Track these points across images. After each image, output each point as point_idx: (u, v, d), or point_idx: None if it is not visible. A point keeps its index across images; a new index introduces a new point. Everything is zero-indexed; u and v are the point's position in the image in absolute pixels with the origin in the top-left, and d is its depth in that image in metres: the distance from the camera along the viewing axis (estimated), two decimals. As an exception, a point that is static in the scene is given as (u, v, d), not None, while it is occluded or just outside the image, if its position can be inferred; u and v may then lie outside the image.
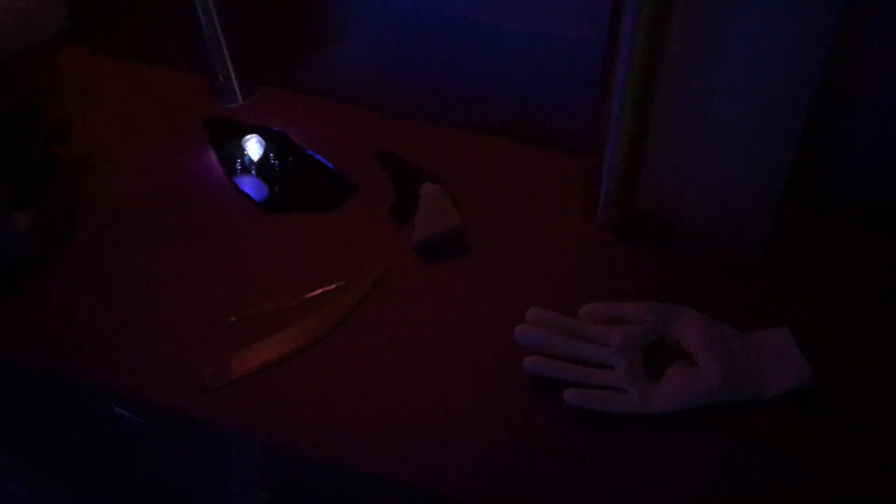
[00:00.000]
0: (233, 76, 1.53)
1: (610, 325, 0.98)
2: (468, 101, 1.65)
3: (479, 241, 1.28)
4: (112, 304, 1.16)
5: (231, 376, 0.98)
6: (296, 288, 1.29)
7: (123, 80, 1.76)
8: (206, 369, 1.00)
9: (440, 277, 1.21)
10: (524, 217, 1.43)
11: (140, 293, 1.18)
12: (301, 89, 1.73)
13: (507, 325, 1.02)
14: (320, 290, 1.16)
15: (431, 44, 1.66)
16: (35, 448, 1.25)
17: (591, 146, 1.39)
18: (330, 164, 1.57)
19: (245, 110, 1.58)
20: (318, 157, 1.59)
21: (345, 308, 1.11)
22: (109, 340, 1.10)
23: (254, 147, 1.61)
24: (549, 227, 1.41)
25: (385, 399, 0.98)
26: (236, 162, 1.58)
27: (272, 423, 0.96)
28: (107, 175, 1.51)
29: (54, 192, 1.36)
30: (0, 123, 1.26)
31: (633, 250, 1.21)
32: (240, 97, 1.53)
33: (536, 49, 1.55)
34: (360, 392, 0.99)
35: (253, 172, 1.56)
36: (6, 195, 1.26)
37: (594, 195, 1.36)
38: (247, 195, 1.51)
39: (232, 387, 1.00)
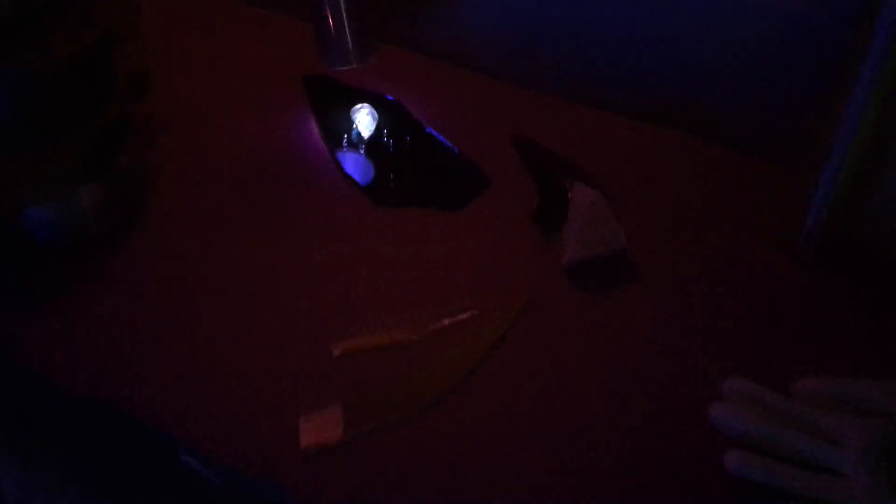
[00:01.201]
0: (347, 31, 1.23)
1: (838, 409, 0.76)
2: (632, 80, 1.31)
3: (645, 262, 1.06)
4: (179, 321, 0.97)
5: (337, 437, 0.71)
6: (413, 312, 1.01)
7: (214, 23, 1.48)
8: (304, 425, 0.74)
9: (597, 308, 1.00)
10: (701, 236, 1.12)
11: (215, 306, 0.99)
12: (422, 51, 1.41)
13: (683, 375, 0.86)
14: (448, 321, 0.93)
15: (589, 2, 1.32)
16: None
17: (798, 153, 1.10)
18: (455, 148, 1.27)
19: (356, 73, 1.27)
20: (440, 138, 1.28)
21: (478, 349, 0.89)
22: (174, 374, 0.84)
23: (364, 119, 1.32)
24: (735, 250, 1.10)
25: (526, 468, 0.76)
26: (342, 136, 1.29)
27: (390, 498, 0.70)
28: (183, 140, 1.25)
29: (127, 162, 1.10)
30: (68, 72, 0.98)
31: (850, 291, 0.96)
32: (353, 58, 1.22)
33: (740, 19, 1.20)
34: (493, 459, 0.79)
35: (361, 151, 1.27)
36: (72, 165, 1.00)
37: (798, 215, 1.07)
38: (352, 179, 1.22)
39: (338, 451, 0.73)
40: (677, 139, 1.29)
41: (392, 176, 1.25)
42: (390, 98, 1.36)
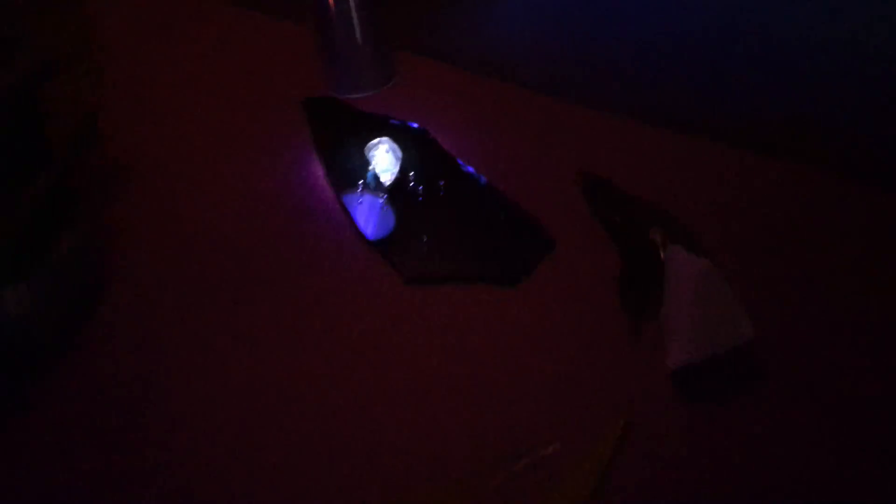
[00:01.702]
0: (362, 51, 0.93)
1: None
2: (729, 96, 1.02)
3: (775, 356, 0.81)
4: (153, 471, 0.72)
5: None
6: (471, 449, 0.73)
7: (190, 30, 1.17)
8: None
9: (718, 429, 0.75)
10: (851, 310, 0.83)
11: (189, 421, 0.79)
12: (451, 61, 1.11)
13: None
14: (524, 463, 0.72)
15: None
16: None
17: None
18: (504, 196, 0.98)
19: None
20: (482, 179, 0.99)
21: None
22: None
23: (383, 159, 1.02)
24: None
25: None
26: (355, 180, 1.00)
27: None
28: (152, 196, 0.98)
29: (73, 244, 0.81)
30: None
31: None
32: (369, 83, 0.93)
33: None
34: None
35: (380, 200, 0.98)
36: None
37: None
38: (372, 242, 0.93)
39: None
40: (797, 170, 0.99)
41: (425, 238, 0.95)
42: (414, 126, 1.06)
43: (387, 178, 1.02)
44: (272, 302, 0.90)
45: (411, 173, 1.02)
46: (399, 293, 0.91)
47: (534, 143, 1.06)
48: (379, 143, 1.04)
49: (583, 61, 1.15)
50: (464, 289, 0.91)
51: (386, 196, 1.01)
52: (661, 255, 0.89)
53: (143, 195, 1.01)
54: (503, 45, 1.18)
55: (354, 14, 0.90)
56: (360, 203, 1.00)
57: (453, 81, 1.14)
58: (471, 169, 1.03)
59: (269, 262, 0.94)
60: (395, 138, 1.04)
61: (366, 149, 1.03)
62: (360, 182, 1.02)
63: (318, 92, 1.11)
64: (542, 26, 1.18)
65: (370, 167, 1.04)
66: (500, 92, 1.12)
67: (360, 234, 0.97)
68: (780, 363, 0.81)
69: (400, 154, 1.03)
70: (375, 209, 1.00)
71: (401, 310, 0.89)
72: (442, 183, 1.02)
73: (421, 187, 1.01)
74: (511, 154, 1.05)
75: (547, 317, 0.87)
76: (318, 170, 1.06)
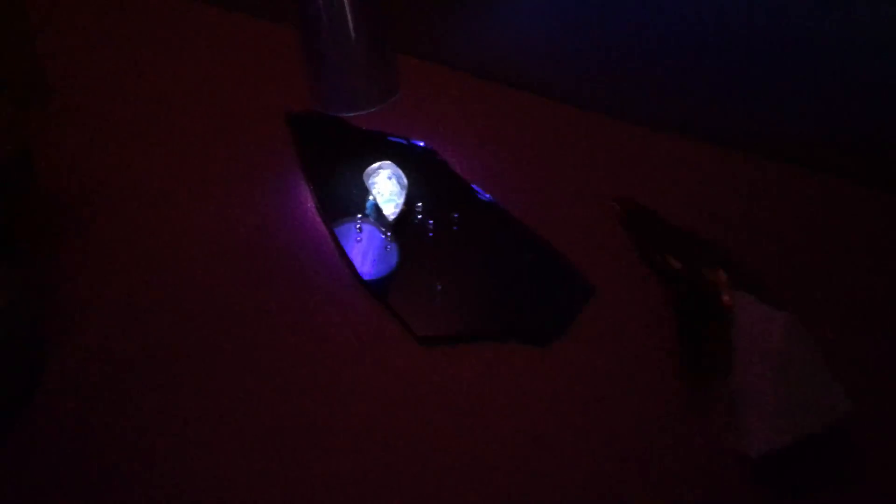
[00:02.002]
0: (360, 65, 0.76)
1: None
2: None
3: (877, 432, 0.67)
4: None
5: None
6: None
7: (152, 36, 1.01)
8: None
9: None
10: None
11: None
12: (457, 66, 0.96)
13: None
14: None
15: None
16: None
17: None
18: (528, 230, 0.82)
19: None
20: (500, 206, 0.83)
21: None
22: None
23: (385, 187, 0.86)
24: None
25: None
26: (352, 213, 0.83)
27: None
28: (109, 237, 0.82)
29: (4, 301, 0.65)
30: None
31: None
32: (367, 99, 0.76)
33: None
34: None
35: (382, 237, 0.82)
36: None
37: None
38: (375, 290, 0.78)
39: None
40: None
41: (438, 286, 0.79)
42: (421, 145, 0.90)
43: (390, 209, 0.86)
44: (253, 371, 0.74)
45: (419, 204, 0.86)
46: (408, 353, 0.75)
47: (559, 162, 0.91)
48: (380, 167, 0.88)
49: (609, 65, 0.99)
50: (487, 348, 0.75)
51: (389, 232, 0.84)
52: (724, 301, 0.74)
53: (95, 239, 0.84)
54: (520, 47, 1.01)
55: (348, 9, 0.73)
56: (359, 241, 0.84)
57: (463, 90, 0.98)
58: (488, 196, 0.87)
59: (249, 319, 0.78)
60: (399, 161, 0.88)
61: (364, 174, 0.87)
62: (359, 215, 0.86)
63: (305, 106, 0.94)
64: (563, 26, 1.02)
65: (370, 196, 0.87)
66: (517, 102, 0.96)
67: (358, 279, 0.81)
68: (883, 441, 0.66)
69: (405, 181, 0.86)
70: (377, 248, 0.84)
71: (411, 375, 0.74)
72: (456, 215, 0.86)
73: (431, 221, 0.85)
74: (534, 176, 0.89)
75: (586, 382, 0.72)
76: (307, 200, 0.89)
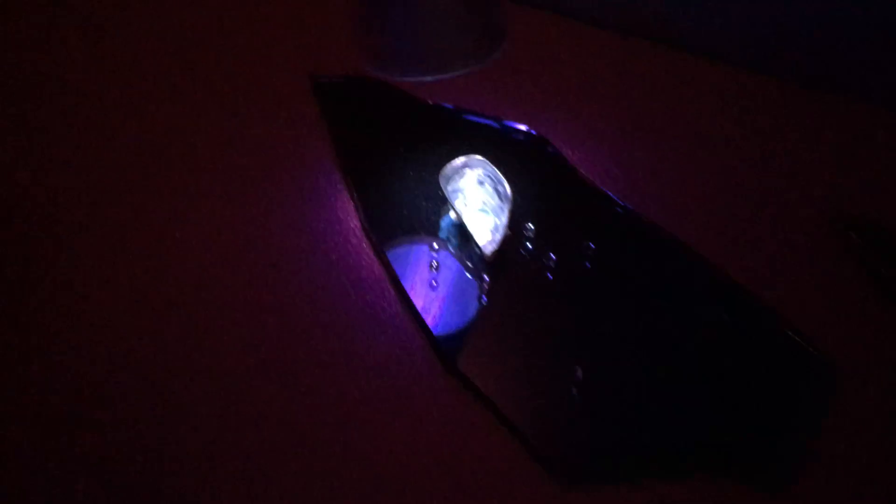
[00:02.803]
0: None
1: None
2: None
3: None
4: None
5: None
6: None
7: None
8: None
9: None
10: None
11: None
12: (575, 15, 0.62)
13: None
14: None
15: None
16: None
17: None
18: (708, 264, 0.49)
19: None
20: (659, 228, 0.50)
21: None
22: None
23: (475, 195, 0.53)
24: None
25: None
26: (420, 239, 0.51)
27: None
28: (65, 277, 0.58)
29: None
30: None
31: None
32: (463, 52, 0.43)
33: None
34: None
35: (472, 279, 0.49)
36: None
37: None
38: (453, 362, 0.45)
39: None
40: None
41: (578, 373, 0.47)
42: (524, 129, 0.57)
43: (483, 234, 0.53)
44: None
45: (528, 225, 0.54)
46: (530, 495, 0.43)
47: (742, 153, 0.58)
48: (465, 166, 0.55)
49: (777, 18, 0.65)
50: (667, 490, 0.42)
51: (485, 274, 0.52)
52: None
53: (45, 281, 0.53)
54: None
55: None
56: (435, 287, 0.52)
57: (582, 45, 0.64)
58: (635, 210, 0.54)
59: (271, 406, 0.46)
60: (495, 156, 0.55)
61: (441, 177, 0.54)
62: (433, 244, 0.54)
63: (347, 66, 0.62)
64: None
65: (449, 212, 0.55)
66: (666, 62, 0.63)
67: (436, 354, 0.49)
68: None
69: (506, 188, 0.53)
70: (463, 299, 0.52)
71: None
72: (591, 245, 0.53)
73: (552, 255, 0.52)
74: (704, 176, 0.57)
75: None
76: (350, 215, 0.57)
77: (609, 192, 0.56)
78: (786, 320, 0.49)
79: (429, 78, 0.47)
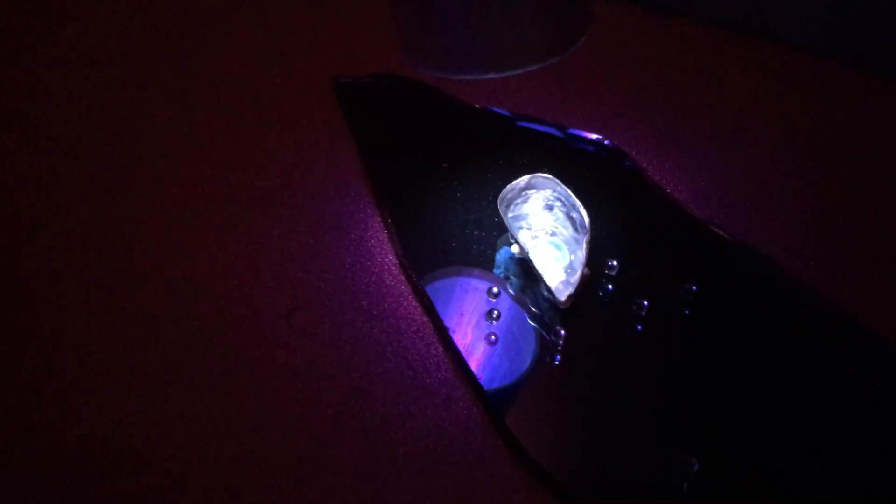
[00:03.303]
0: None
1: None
2: None
3: None
4: None
5: None
6: None
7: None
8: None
9: None
10: None
11: None
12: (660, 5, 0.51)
13: None
14: None
15: None
16: None
17: None
18: (850, 319, 0.38)
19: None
20: (780, 267, 0.39)
21: None
22: None
23: (542, 222, 0.42)
24: None
25: None
26: (473, 276, 0.40)
27: None
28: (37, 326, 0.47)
29: None
30: None
31: None
32: (536, 44, 0.32)
33: None
34: None
35: (538, 327, 0.38)
36: None
37: None
38: (514, 438, 0.34)
39: None
40: None
41: (695, 464, 0.36)
42: (597, 140, 0.46)
43: (556, 274, 0.42)
44: None
45: (611, 262, 0.43)
46: None
47: (851, 156, 0.46)
48: (529, 186, 0.44)
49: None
50: None
51: (557, 325, 0.41)
52: None
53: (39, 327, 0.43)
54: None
55: None
56: (493, 341, 0.41)
57: (665, 42, 0.53)
58: (736, 235, 0.43)
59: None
60: (563, 174, 0.44)
61: (500, 200, 0.43)
62: (492, 287, 0.43)
63: (378, 68, 0.51)
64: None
65: (510, 244, 0.44)
66: (761, 57, 0.52)
67: (496, 427, 0.39)
68: None
69: (583, 216, 0.42)
70: (529, 353, 0.41)
71: None
72: (693, 288, 0.42)
73: (644, 301, 0.41)
74: (818, 191, 0.45)
75: None
76: (384, 247, 0.47)
77: (707, 218, 0.45)
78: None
79: (493, 75, 0.36)
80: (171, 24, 0.61)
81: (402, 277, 0.46)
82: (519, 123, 0.50)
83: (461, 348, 0.42)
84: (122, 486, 0.40)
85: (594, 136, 0.49)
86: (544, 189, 0.45)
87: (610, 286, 0.43)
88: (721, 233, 0.44)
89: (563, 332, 0.41)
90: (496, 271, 0.45)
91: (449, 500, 0.38)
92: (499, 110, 0.51)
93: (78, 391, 0.43)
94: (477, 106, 0.51)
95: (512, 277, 0.44)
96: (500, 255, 0.46)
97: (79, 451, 0.40)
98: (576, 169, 0.46)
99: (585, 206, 0.43)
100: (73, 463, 0.40)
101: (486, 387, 0.40)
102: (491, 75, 0.37)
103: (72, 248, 0.49)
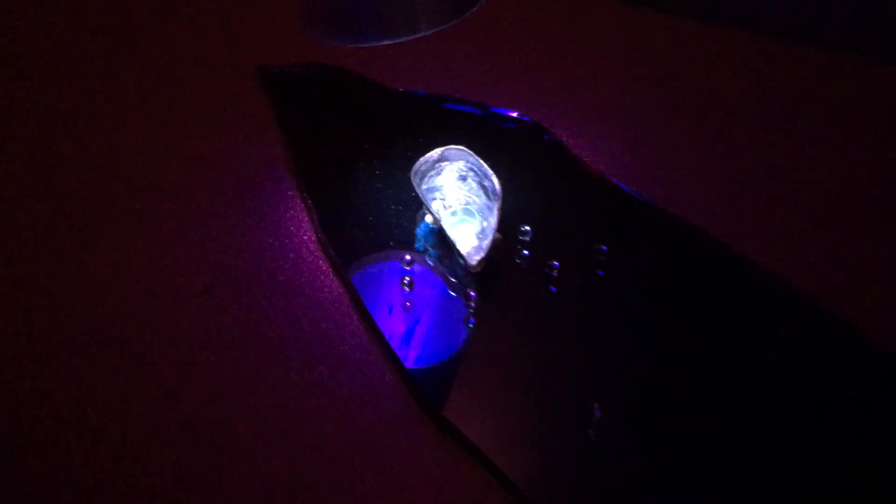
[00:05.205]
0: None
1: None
2: None
3: None
4: None
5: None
6: None
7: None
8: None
9: None
10: None
11: None
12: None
13: None
14: None
15: None
16: None
17: None
18: (759, 274, 0.38)
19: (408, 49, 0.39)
20: (691, 226, 0.39)
21: None
22: None
23: (455, 194, 0.42)
24: None
25: None
26: (390, 248, 0.39)
27: None
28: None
29: None
30: None
31: None
32: (424, 10, 0.32)
33: None
34: None
35: (455, 297, 0.37)
36: None
37: None
38: (429, 401, 0.34)
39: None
40: None
41: (597, 411, 0.35)
42: (517, 117, 0.47)
43: (468, 240, 0.42)
44: None
45: (524, 227, 0.43)
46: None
47: (769, 120, 0.48)
48: (442, 159, 0.44)
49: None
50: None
51: (470, 289, 0.41)
52: None
53: None
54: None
55: None
56: (408, 307, 0.41)
57: (581, 17, 0.54)
58: (658, 205, 0.43)
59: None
60: (481, 148, 0.44)
61: (412, 173, 0.44)
62: (406, 257, 0.43)
63: (293, 43, 0.52)
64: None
65: (424, 216, 0.44)
66: (675, 29, 0.53)
67: (415, 395, 0.38)
68: None
69: (495, 184, 0.43)
70: (445, 326, 0.41)
71: None
72: (604, 248, 0.42)
73: (555, 263, 0.42)
74: (730, 154, 0.46)
75: None
76: (303, 226, 0.47)
77: (621, 183, 0.46)
78: (856, 329, 0.38)
79: (383, 41, 0.37)
80: (99, 19, 0.62)
81: (321, 254, 0.46)
82: (439, 104, 0.51)
83: (376, 317, 0.41)
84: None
85: (514, 114, 0.50)
86: (457, 161, 0.45)
87: (524, 251, 0.43)
88: (632, 196, 0.45)
89: (473, 294, 0.41)
90: (417, 245, 0.45)
91: (365, 462, 0.38)
92: (421, 92, 0.52)
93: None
94: (401, 90, 0.52)
95: (430, 249, 0.45)
96: (420, 229, 0.46)
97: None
98: (493, 144, 0.47)
99: (502, 178, 0.44)
100: None
101: (399, 353, 0.40)
102: (387, 41, 0.37)
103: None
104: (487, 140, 0.47)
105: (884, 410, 0.36)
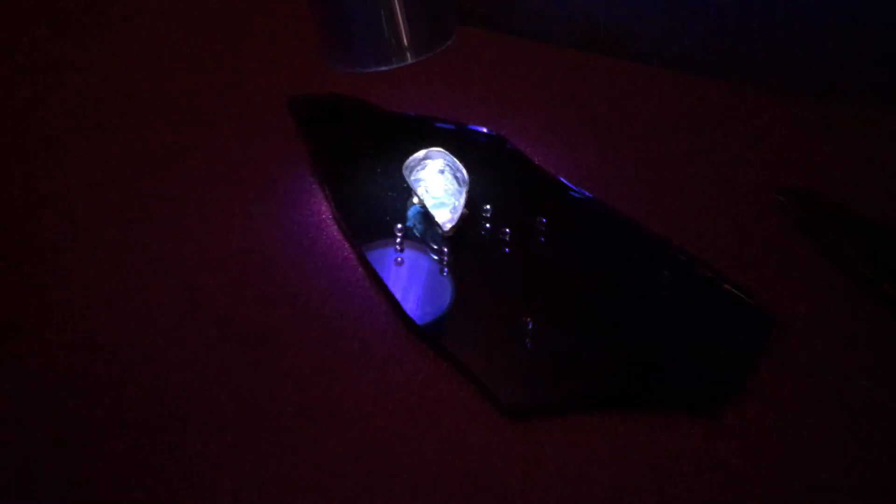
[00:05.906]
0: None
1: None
2: None
3: None
4: None
5: None
6: None
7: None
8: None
9: None
10: None
11: None
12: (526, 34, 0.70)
13: None
14: None
15: None
16: None
17: None
18: (652, 235, 0.54)
19: (407, 77, 0.55)
20: (607, 205, 0.55)
21: None
22: None
23: (436, 183, 0.59)
24: None
25: None
26: (387, 221, 0.56)
27: None
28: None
29: None
30: None
31: None
32: (410, 44, 0.49)
33: None
34: None
35: (435, 257, 0.54)
36: None
37: None
38: (422, 328, 0.48)
39: None
40: None
41: (530, 323, 0.51)
42: (486, 132, 0.63)
43: (444, 216, 0.58)
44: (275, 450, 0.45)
45: (486, 206, 0.59)
46: (487, 427, 0.46)
47: (682, 139, 0.63)
48: (426, 157, 0.61)
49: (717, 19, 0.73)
50: (609, 421, 0.46)
51: (445, 249, 0.57)
52: None
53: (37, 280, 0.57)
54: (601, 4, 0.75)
55: None
56: (399, 262, 0.56)
57: (538, 62, 0.71)
58: (586, 193, 0.59)
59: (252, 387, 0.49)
60: (456, 153, 0.61)
61: (404, 168, 0.60)
62: (398, 227, 0.58)
63: (314, 75, 0.68)
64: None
65: (413, 200, 0.60)
66: (609, 69, 0.70)
67: (406, 322, 0.53)
68: None
69: (464, 174, 0.59)
70: (428, 273, 0.56)
71: (494, 462, 0.44)
72: (543, 220, 0.58)
73: (507, 229, 0.57)
74: (645, 159, 0.62)
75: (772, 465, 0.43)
76: (322, 207, 0.62)
77: (561, 178, 0.62)
78: (728, 279, 0.53)
79: (378, 67, 0.53)
80: (147, 43, 0.79)
81: (336, 227, 0.62)
82: (426, 122, 0.67)
83: (375, 267, 0.57)
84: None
85: (484, 129, 0.66)
86: (438, 159, 0.61)
87: (486, 224, 0.59)
88: (570, 188, 0.61)
89: (447, 251, 0.57)
90: (408, 223, 0.60)
91: (372, 387, 0.52)
92: (413, 115, 0.68)
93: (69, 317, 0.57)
94: (399, 113, 0.69)
95: (416, 224, 0.60)
96: (410, 211, 0.61)
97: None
98: (466, 150, 0.63)
99: (471, 172, 0.59)
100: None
101: (394, 292, 0.55)
102: (383, 67, 0.53)
103: (74, 219, 0.64)
104: (462, 147, 0.63)
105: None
